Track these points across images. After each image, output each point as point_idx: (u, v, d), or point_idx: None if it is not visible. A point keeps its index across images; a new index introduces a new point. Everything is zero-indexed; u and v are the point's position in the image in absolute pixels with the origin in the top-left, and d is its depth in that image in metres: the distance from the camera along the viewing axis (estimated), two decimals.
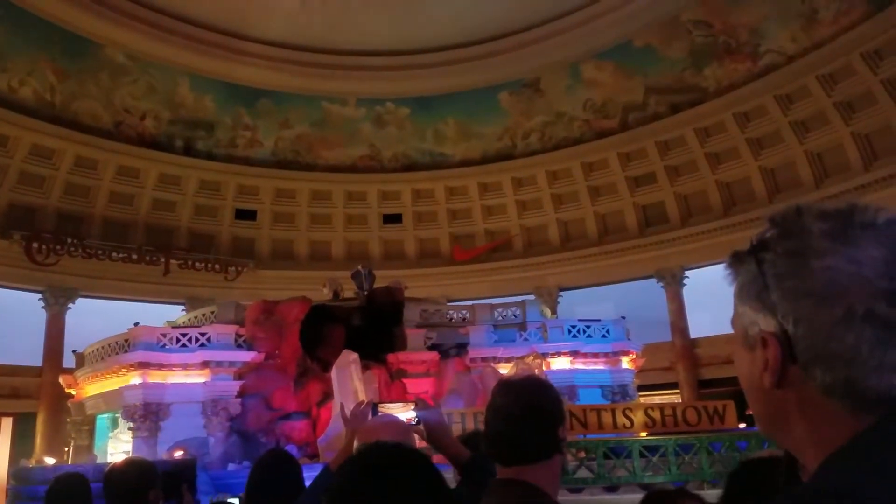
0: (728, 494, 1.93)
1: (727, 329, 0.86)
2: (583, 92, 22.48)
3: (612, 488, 9.08)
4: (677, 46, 20.47)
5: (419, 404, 2.45)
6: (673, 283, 22.20)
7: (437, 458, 1.77)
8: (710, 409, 11.09)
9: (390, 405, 2.54)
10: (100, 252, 20.50)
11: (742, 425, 11.41)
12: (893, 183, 17.82)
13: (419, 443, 2.45)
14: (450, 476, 2.38)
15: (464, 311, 18.11)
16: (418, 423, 2.38)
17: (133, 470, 2.95)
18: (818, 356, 0.72)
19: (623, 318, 18.05)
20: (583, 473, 8.93)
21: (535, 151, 23.50)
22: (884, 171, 18.12)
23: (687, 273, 21.97)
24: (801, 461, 0.76)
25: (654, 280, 22.48)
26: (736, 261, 0.81)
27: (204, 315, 17.01)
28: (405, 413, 2.46)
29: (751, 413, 0.88)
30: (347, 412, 2.54)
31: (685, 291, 22.10)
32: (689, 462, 9.31)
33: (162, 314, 19.16)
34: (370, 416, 2.41)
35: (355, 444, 2.25)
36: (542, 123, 23.35)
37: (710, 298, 17.67)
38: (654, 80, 21.31)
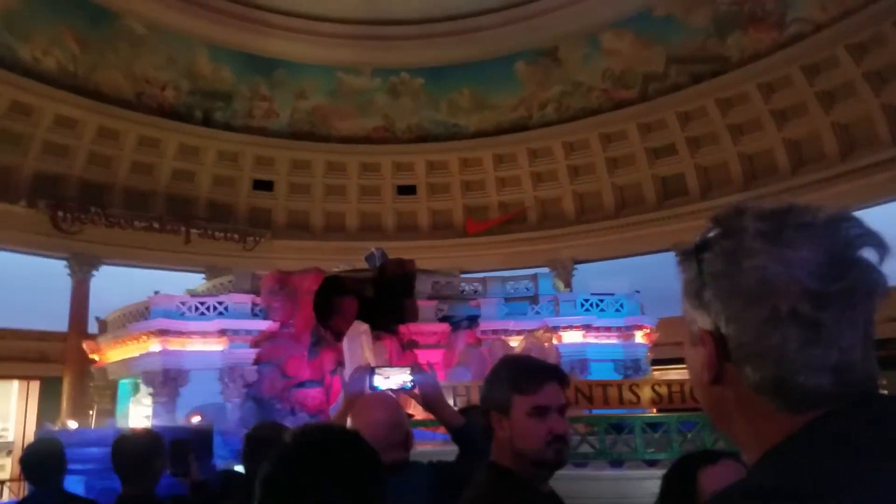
0: (664, 492, 1.93)
1: None
2: (601, 61, 22.00)
3: (617, 463, 9.13)
4: (700, 15, 19.84)
5: (414, 369, 2.47)
6: None
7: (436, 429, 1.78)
8: None
9: (386, 369, 2.50)
10: (122, 221, 20.93)
11: None
12: None
13: (415, 408, 2.50)
14: (452, 449, 2.38)
15: (476, 284, 18.20)
16: (414, 387, 2.40)
17: (140, 440, 3.06)
18: (748, 355, 0.74)
19: (637, 292, 17.93)
20: (585, 448, 8.99)
21: (551, 122, 23.14)
22: None
23: None
24: (746, 458, 0.78)
25: (672, 254, 22.22)
26: (682, 258, 0.83)
27: (222, 284, 17.36)
28: (401, 376, 2.43)
29: None
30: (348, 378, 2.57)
31: None
32: (691, 439, 9.33)
33: (183, 282, 19.60)
34: (367, 381, 2.42)
35: (349, 420, 2.28)
36: (559, 94, 22.96)
37: None
38: (676, 49, 20.73)
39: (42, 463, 3.26)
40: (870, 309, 0.73)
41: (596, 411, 11.25)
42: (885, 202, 17.89)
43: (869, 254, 0.73)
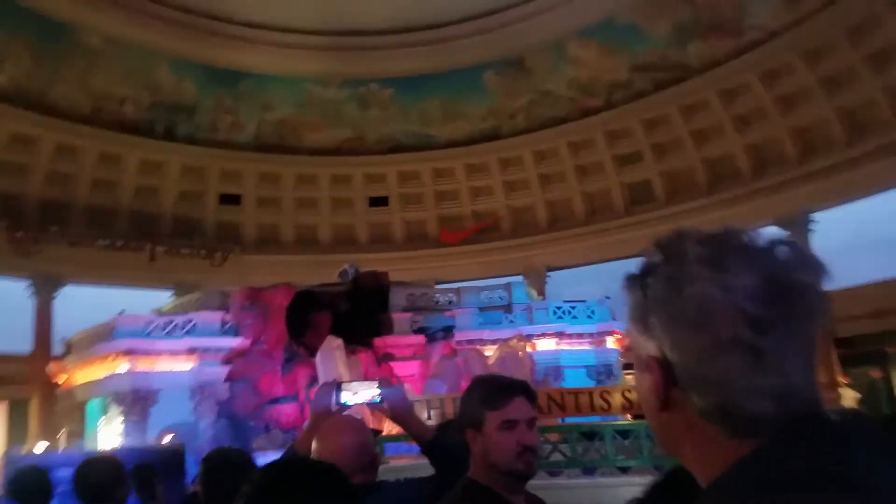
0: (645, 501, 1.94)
1: None
2: (567, 70, 22.32)
3: (589, 471, 9.21)
4: (660, 23, 20.27)
5: (382, 383, 2.43)
6: None
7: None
8: None
9: (354, 384, 2.45)
10: (84, 240, 20.37)
11: None
12: (877, 158, 17.85)
13: (385, 422, 2.47)
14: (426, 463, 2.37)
15: (450, 295, 18.21)
16: (382, 402, 2.37)
17: (101, 467, 3.01)
18: (693, 381, 0.73)
19: (608, 298, 18.16)
20: (557, 457, 9.06)
21: (521, 131, 23.36)
22: (868, 146, 18.13)
23: None
24: (698, 481, 0.77)
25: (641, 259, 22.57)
26: (627, 284, 0.81)
27: (190, 302, 17.04)
28: (369, 391, 2.38)
29: None
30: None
31: None
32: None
33: (151, 300, 19.16)
34: (333, 397, 2.38)
35: (314, 444, 2.24)
36: (528, 103, 23.20)
37: None
38: (639, 57, 21.14)
39: (29, 490, 3.25)
40: (811, 331, 0.73)
41: (569, 419, 11.33)
42: (841, 204, 18.50)
43: (807, 276, 0.72)
